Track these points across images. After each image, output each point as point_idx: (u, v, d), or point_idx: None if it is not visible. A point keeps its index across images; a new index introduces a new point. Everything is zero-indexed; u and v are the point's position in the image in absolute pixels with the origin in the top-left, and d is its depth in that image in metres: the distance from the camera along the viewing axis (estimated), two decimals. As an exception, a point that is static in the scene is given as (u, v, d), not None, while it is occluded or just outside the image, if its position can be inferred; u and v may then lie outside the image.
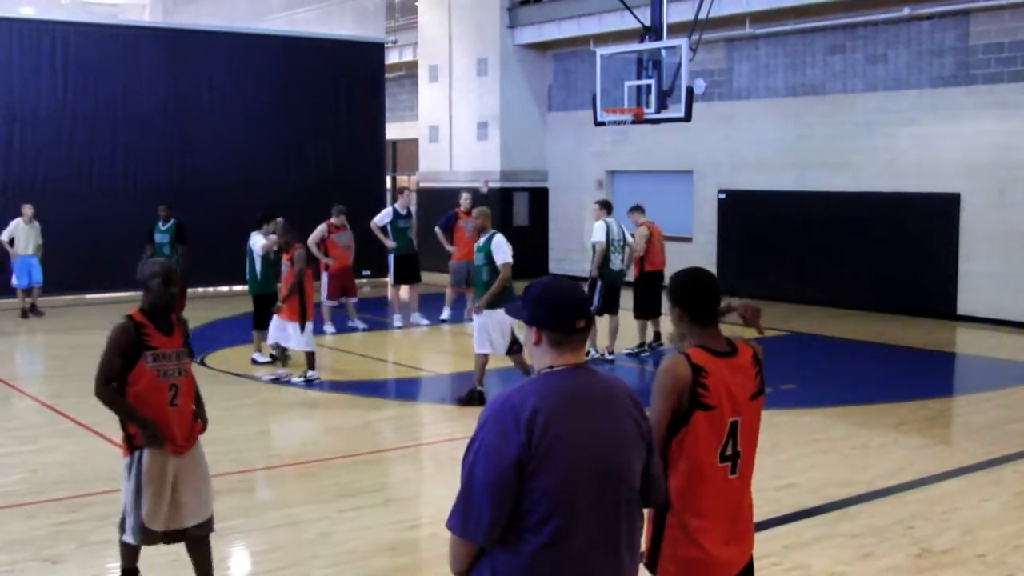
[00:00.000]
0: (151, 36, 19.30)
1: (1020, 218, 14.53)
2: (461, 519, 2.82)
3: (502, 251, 9.60)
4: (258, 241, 11.76)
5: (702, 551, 3.46)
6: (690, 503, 3.45)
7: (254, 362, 11.87)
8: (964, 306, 15.25)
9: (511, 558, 2.82)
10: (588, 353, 12.00)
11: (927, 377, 11.99)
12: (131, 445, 5.07)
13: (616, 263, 12.21)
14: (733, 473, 3.51)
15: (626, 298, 12.80)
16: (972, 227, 15.07)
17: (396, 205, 14.88)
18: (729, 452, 3.49)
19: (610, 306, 12.19)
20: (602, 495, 2.87)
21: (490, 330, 9.70)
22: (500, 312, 9.44)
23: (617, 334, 12.34)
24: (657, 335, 12.79)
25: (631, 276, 12.72)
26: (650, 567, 3.54)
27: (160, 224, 14.71)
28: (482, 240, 9.84)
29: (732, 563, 3.54)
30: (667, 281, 3.80)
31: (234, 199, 18.84)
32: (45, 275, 15.75)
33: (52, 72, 17.88)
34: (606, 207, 12.41)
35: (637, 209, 12.83)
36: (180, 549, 5.35)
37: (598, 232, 12.09)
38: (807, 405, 9.92)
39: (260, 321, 11.74)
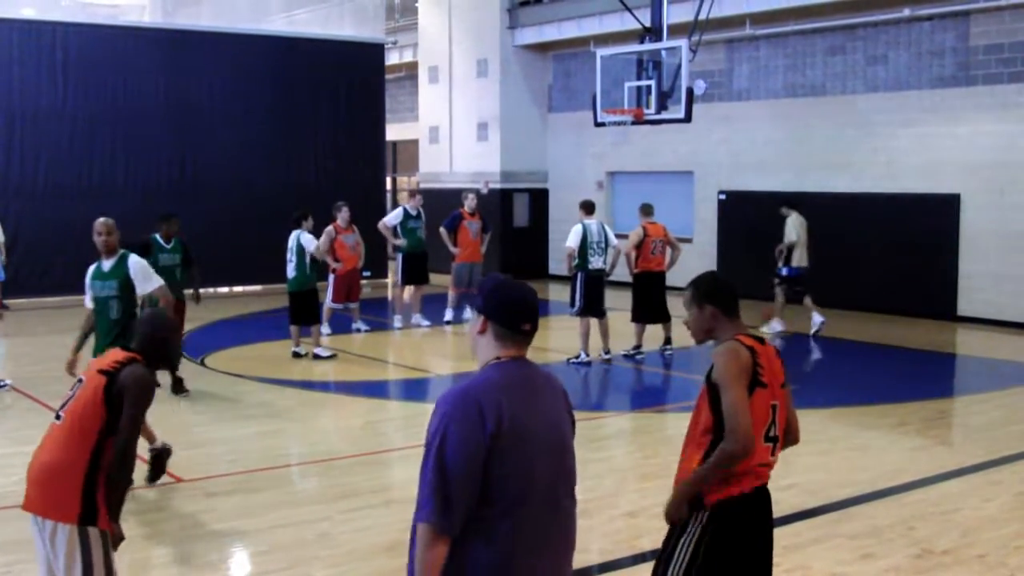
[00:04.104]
0: (151, 37, 19.29)
1: (1020, 218, 14.53)
2: (439, 513, 2.82)
3: (148, 277, 7.37)
4: (310, 240, 12.26)
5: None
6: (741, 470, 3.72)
7: (296, 355, 12.33)
8: (964, 307, 15.25)
9: (478, 547, 2.87)
10: (578, 356, 12.06)
11: (927, 378, 12.00)
12: (90, 518, 4.15)
13: (596, 263, 12.21)
14: (772, 456, 3.82)
15: (625, 300, 12.83)
16: (972, 227, 15.07)
17: (407, 205, 14.97)
18: (772, 434, 3.77)
19: (594, 307, 12.17)
20: (555, 479, 3.02)
21: None
22: None
23: (609, 334, 12.31)
24: (668, 339, 12.73)
25: (624, 277, 12.74)
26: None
27: (162, 241, 10.78)
28: (109, 263, 7.25)
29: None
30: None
31: (234, 200, 18.86)
32: (44, 276, 15.81)
33: (52, 72, 17.88)
34: (586, 208, 12.42)
35: (641, 209, 12.82)
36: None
37: (572, 237, 12.14)
38: (807, 406, 9.89)
39: (299, 317, 12.38)
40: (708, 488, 3.72)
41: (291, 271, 12.41)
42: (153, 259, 10.31)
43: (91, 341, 7.28)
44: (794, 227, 14.12)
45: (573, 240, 12.11)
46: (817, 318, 14.05)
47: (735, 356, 3.70)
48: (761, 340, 3.87)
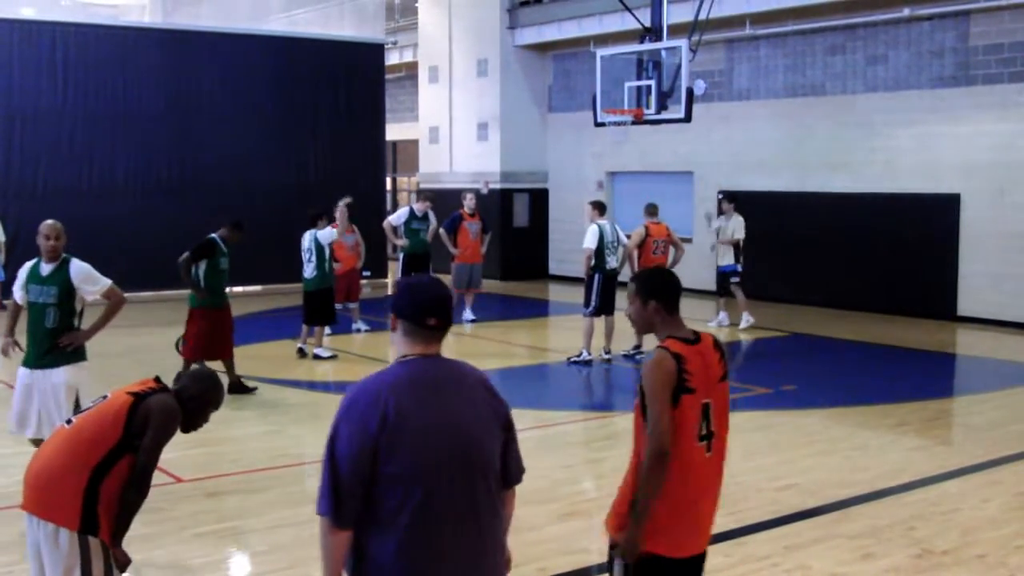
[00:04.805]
0: (151, 37, 19.28)
1: (1020, 218, 14.54)
2: (331, 507, 2.95)
3: (95, 280, 6.58)
4: (327, 234, 12.25)
5: (673, 526, 3.76)
6: (673, 478, 3.71)
7: (304, 354, 12.43)
8: (964, 307, 15.26)
9: (378, 541, 2.96)
10: (580, 354, 12.08)
11: (927, 378, 11.99)
12: (91, 527, 4.19)
13: (611, 263, 12.28)
14: (708, 452, 3.82)
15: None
16: (972, 227, 15.07)
17: (415, 206, 15.01)
18: (704, 432, 3.80)
19: (607, 306, 12.26)
20: (459, 474, 3.02)
21: (36, 399, 6.63)
22: (62, 373, 6.52)
23: (613, 334, 12.35)
24: None
25: (627, 276, 12.80)
26: (619, 530, 3.82)
27: (223, 245, 10.60)
28: (49, 268, 6.48)
29: (692, 546, 3.86)
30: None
31: (233, 200, 18.79)
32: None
33: (52, 72, 17.87)
34: (599, 208, 12.46)
35: (646, 209, 12.90)
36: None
37: (589, 238, 12.18)
38: (807, 406, 9.93)
39: (315, 317, 12.37)
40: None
41: (310, 271, 12.37)
42: (215, 261, 10.44)
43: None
44: (741, 225, 14.72)
45: (591, 241, 12.14)
46: (724, 317, 14.95)
47: (659, 368, 3.73)
48: (695, 339, 3.87)
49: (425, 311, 3.11)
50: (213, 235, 10.54)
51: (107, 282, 6.61)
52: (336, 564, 3.02)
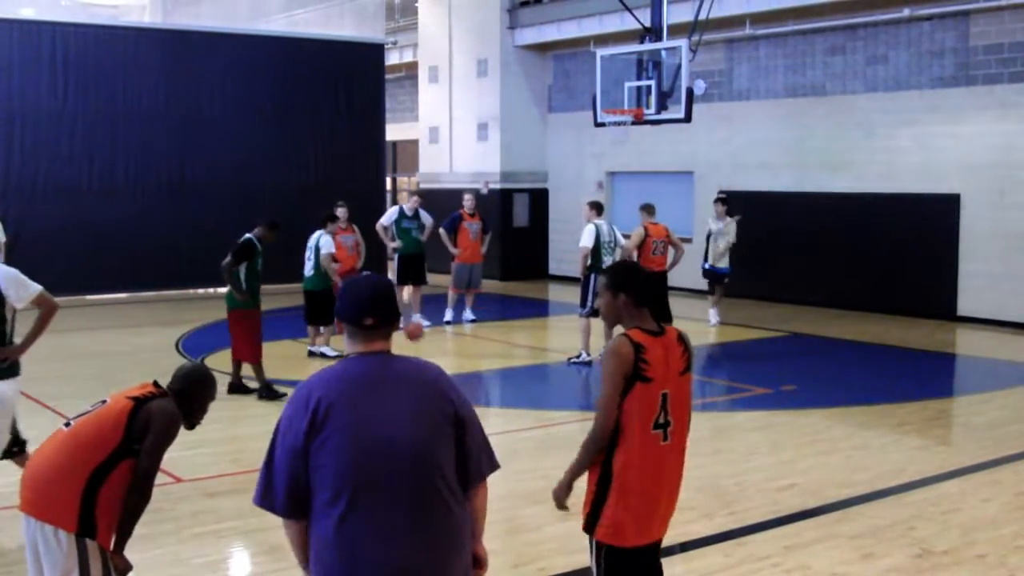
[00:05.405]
0: (151, 37, 19.27)
1: (1020, 218, 14.54)
2: (261, 493, 3.11)
3: (24, 285, 6.02)
4: (328, 243, 12.32)
5: (632, 514, 3.94)
6: (628, 466, 3.91)
7: (311, 354, 12.46)
8: (964, 307, 15.26)
9: (319, 534, 3.04)
10: (579, 355, 12.07)
11: (927, 378, 12.00)
12: (88, 530, 4.18)
13: (608, 263, 12.25)
14: (665, 440, 3.96)
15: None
16: (972, 227, 15.08)
17: (404, 205, 14.97)
18: (662, 421, 3.93)
19: None
20: (396, 472, 3.03)
21: None
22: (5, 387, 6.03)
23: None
24: None
25: None
26: (587, 529, 4.07)
27: (258, 244, 10.52)
28: None
29: (651, 533, 4.05)
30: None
31: (233, 200, 18.82)
32: (44, 276, 15.71)
33: (52, 73, 17.86)
34: (596, 208, 12.44)
35: (643, 208, 12.88)
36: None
37: (586, 237, 12.14)
38: (807, 406, 9.92)
39: (315, 317, 12.38)
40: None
41: (309, 270, 12.37)
42: (253, 262, 10.38)
43: None
44: (734, 229, 15.21)
45: (587, 240, 12.11)
46: (715, 316, 15.19)
47: (615, 355, 3.89)
48: (659, 331, 3.99)
49: (361, 312, 3.15)
50: (249, 235, 10.49)
51: (37, 288, 6.04)
52: (298, 548, 3.16)
